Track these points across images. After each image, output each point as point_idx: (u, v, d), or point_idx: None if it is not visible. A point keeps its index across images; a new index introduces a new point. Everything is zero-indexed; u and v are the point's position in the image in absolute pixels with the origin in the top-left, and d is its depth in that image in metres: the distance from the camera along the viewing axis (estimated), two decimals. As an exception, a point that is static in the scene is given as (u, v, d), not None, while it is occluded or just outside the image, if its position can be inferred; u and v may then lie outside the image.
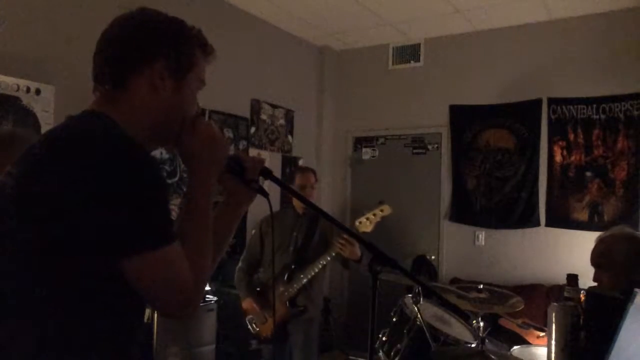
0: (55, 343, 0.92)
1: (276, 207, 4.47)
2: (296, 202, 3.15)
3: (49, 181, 0.89)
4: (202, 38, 1.11)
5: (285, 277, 2.96)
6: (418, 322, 2.09)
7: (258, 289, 3.08)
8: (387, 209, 2.82)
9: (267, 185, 1.27)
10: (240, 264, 3.20)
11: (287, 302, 2.93)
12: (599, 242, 2.00)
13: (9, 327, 0.93)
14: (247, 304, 3.05)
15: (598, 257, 1.95)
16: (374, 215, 2.79)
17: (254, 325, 3.00)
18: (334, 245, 2.83)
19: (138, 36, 1.03)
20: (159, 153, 3.63)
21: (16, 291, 0.93)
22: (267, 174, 1.21)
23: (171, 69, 1.04)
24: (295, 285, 2.92)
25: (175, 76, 1.05)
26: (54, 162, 0.91)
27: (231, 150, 1.17)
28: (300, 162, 5.08)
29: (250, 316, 3.02)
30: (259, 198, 1.25)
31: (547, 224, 4.30)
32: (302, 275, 2.93)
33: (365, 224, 2.78)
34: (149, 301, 0.98)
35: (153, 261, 0.91)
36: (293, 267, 2.98)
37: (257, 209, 4.90)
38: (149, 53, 1.03)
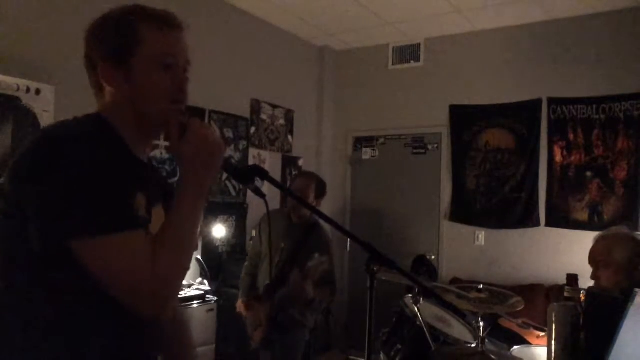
0: (42, 336, 0.96)
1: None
2: (292, 208, 2.98)
3: (14, 179, 0.95)
4: (146, 13, 1.07)
5: (268, 294, 2.81)
6: (418, 322, 2.09)
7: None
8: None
9: (266, 187, 1.26)
10: (246, 261, 3.16)
11: (268, 320, 2.81)
12: (599, 240, 2.01)
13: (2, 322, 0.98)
14: (239, 306, 3.02)
15: (598, 255, 1.96)
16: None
17: (251, 329, 2.98)
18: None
19: (85, 46, 1.07)
20: (158, 153, 3.63)
21: (4, 285, 0.99)
22: (264, 175, 1.18)
23: (112, 65, 1.04)
24: (274, 305, 2.77)
25: (120, 69, 1.04)
26: (21, 162, 0.95)
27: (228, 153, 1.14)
28: (300, 162, 5.08)
29: (248, 319, 3.00)
30: (258, 200, 1.23)
31: (547, 224, 4.30)
32: (280, 296, 2.77)
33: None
34: (109, 293, 0.95)
35: (96, 248, 0.91)
36: (275, 283, 2.79)
37: (257, 211, 4.88)
38: (91, 59, 1.06)
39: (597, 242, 2.01)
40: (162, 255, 0.96)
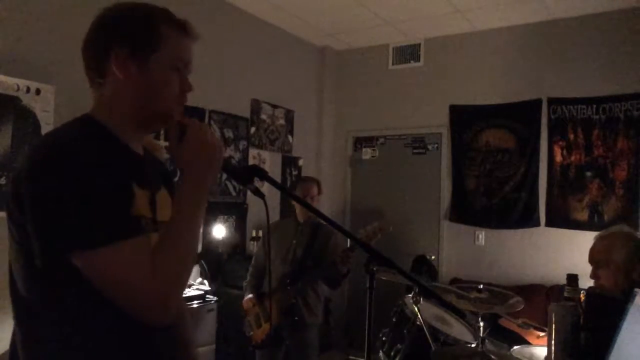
0: (42, 343, 0.97)
1: (275, 217, 4.46)
2: (298, 211, 3.15)
3: (15, 187, 0.96)
4: (171, 16, 1.10)
5: (284, 286, 2.90)
6: (418, 322, 2.09)
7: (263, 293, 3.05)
8: (386, 227, 2.76)
9: (266, 187, 1.26)
10: (250, 269, 3.18)
11: (283, 311, 2.87)
12: (599, 239, 2.01)
13: (25, 329, 1.00)
14: (247, 300, 3.03)
15: (597, 255, 1.96)
16: (374, 233, 2.70)
17: (249, 329, 2.98)
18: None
19: (96, 31, 1.07)
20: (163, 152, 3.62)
21: (23, 295, 0.99)
22: (263, 175, 1.18)
23: (129, 54, 1.04)
24: (292, 295, 2.88)
25: (136, 60, 1.05)
26: (18, 179, 0.96)
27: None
28: (300, 162, 5.08)
29: (248, 319, 3.00)
30: (258, 200, 1.23)
31: (547, 224, 4.30)
32: (299, 286, 2.89)
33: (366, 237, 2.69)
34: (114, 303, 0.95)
35: (95, 259, 0.91)
36: (292, 276, 2.92)
37: (257, 211, 4.85)
38: (105, 43, 1.06)
39: (597, 241, 2.01)
40: (162, 262, 0.96)
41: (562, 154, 4.27)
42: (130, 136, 1.11)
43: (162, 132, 3.62)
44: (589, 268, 2.04)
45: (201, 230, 1.05)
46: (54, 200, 0.90)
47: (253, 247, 4.13)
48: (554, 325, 1.65)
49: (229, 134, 4.29)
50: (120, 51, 1.04)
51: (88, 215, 0.91)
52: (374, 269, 1.28)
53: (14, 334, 1.02)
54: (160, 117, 1.10)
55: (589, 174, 4.14)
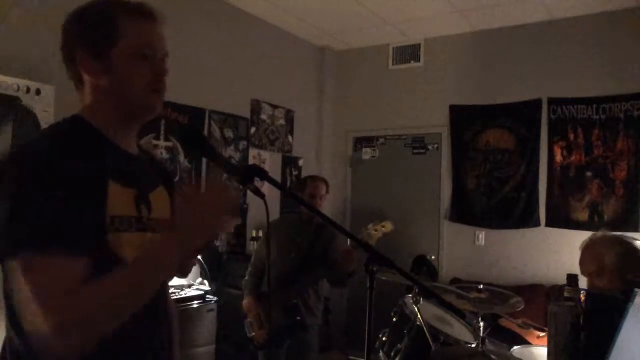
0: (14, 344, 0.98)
1: (275, 214, 4.46)
2: (303, 208, 3.08)
3: None
4: (124, 5, 1.08)
5: (284, 285, 2.86)
6: (418, 322, 2.09)
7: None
8: (388, 226, 2.74)
9: (266, 187, 1.26)
10: (249, 267, 3.16)
11: (284, 311, 2.85)
12: (584, 250, 1.93)
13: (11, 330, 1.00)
14: (247, 302, 3.01)
15: (589, 267, 1.90)
16: (376, 230, 2.66)
17: (251, 330, 2.97)
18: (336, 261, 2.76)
19: (62, 40, 1.09)
20: (159, 153, 3.62)
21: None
22: (263, 175, 1.17)
23: (90, 55, 1.05)
24: (292, 295, 2.85)
25: (98, 59, 1.05)
26: None
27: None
28: (300, 162, 5.08)
29: (249, 320, 2.99)
30: (258, 200, 1.22)
31: (547, 224, 4.30)
32: (300, 286, 2.87)
33: (368, 237, 2.64)
34: None
35: (17, 266, 0.89)
36: (293, 275, 2.88)
37: (257, 211, 4.83)
38: (69, 51, 1.07)
39: (584, 252, 1.93)
40: (86, 293, 0.89)
41: (562, 154, 4.27)
42: (120, 133, 1.10)
43: (162, 132, 3.62)
44: (589, 268, 2.02)
45: (150, 294, 0.98)
46: (4, 202, 0.90)
47: (253, 247, 4.12)
48: (554, 325, 1.64)
49: (229, 134, 4.29)
50: (83, 55, 1.05)
51: (22, 218, 0.89)
52: (374, 269, 1.28)
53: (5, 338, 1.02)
54: (139, 107, 1.10)
55: (589, 174, 4.14)
